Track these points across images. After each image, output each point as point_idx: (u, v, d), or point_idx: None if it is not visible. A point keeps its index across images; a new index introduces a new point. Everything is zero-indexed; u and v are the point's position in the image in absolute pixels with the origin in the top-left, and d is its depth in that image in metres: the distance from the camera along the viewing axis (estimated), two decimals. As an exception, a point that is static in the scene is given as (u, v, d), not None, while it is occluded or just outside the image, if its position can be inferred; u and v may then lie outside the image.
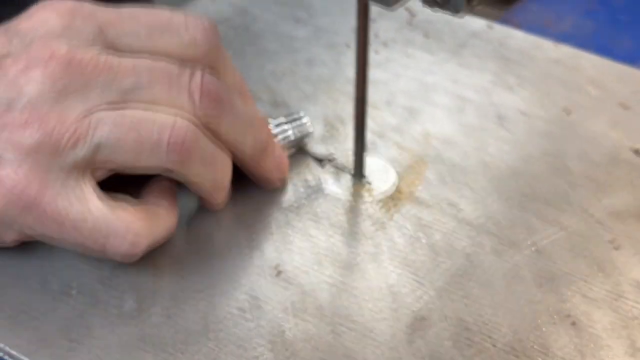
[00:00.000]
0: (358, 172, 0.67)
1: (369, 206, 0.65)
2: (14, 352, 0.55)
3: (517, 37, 0.81)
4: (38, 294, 0.58)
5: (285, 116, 0.68)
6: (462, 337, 0.57)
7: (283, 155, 0.66)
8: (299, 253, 0.61)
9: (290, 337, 0.56)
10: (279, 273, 0.60)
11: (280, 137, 0.67)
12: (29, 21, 0.59)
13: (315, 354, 0.56)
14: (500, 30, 0.82)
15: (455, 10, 0.57)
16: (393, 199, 0.66)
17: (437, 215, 0.64)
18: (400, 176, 0.67)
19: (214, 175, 0.60)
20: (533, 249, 0.62)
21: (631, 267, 0.61)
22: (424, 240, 0.63)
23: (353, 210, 0.65)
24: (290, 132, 0.67)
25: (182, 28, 0.60)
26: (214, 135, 0.60)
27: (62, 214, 0.56)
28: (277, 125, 0.67)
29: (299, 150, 0.68)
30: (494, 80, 0.76)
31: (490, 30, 0.81)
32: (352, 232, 0.63)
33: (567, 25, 0.84)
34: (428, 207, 0.65)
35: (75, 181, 0.57)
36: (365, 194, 0.66)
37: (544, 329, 0.57)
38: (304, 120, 0.68)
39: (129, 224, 0.58)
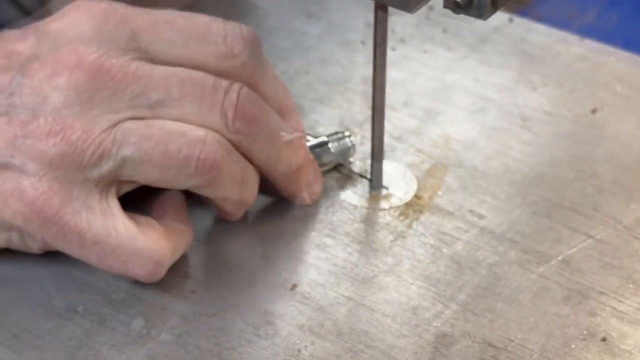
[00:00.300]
0: (376, 179, 0.64)
1: (387, 215, 0.62)
2: (17, 375, 0.53)
3: (539, 32, 0.78)
4: (43, 313, 0.56)
5: (328, 134, 0.65)
6: (487, 356, 0.54)
7: (318, 175, 0.62)
8: (314, 266, 0.59)
9: (306, 357, 0.54)
10: (293, 287, 0.58)
11: (318, 153, 0.64)
12: (59, 22, 0.56)
13: (333, 374, 0.53)
14: (522, 24, 0.78)
15: (479, 15, 0.54)
16: (412, 207, 0.63)
17: (458, 224, 0.62)
18: (420, 182, 0.64)
19: (241, 193, 0.58)
20: (560, 259, 0.59)
21: (664, 278, 0.58)
22: (445, 251, 0.60)
23: (370, 219, 0.62)
24: (330, 149, 0.64)
25: (219, 37, 0.56)
26: (245, 154, 0.57)
27: (84, 229, 0.54)
28: (318, 143, 0.64)
29: (337, 166, 0.65)
30: (517, 78, 0.73)
31: (511, 24, 0.78)
32: (369, 243, 0.60)
33: (592, 17, 0.81)
34: (449, 215, 0.62)
35: (100, 195, 0.55)
36: (383, 202, 0.63)
37: (573, 345, 0.54)
38: (346, 137, 0.65)
39: (155, 242, 0.55)
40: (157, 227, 0.56)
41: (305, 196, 0.62)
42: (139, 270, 0.55)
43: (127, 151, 0.54)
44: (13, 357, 0.54)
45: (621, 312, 0.56)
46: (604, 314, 0.56)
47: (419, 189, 0.64)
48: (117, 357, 0.54)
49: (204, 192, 0.57)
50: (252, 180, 0.58)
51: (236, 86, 0.56)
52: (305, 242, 0.60)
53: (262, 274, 0.58)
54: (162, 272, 0.56)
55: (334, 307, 0.57)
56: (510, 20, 0.79)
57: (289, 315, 0.56)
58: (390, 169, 0.65)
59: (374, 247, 0.60)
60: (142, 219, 0.56)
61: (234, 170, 0.56)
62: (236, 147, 0.57)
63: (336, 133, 0.65)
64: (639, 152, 0.67)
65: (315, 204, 0.62)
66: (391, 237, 0.61)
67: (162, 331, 0.55)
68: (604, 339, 0.55)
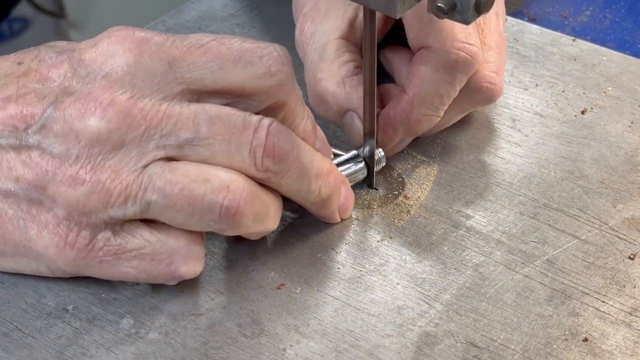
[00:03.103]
0: (366, 179, 0.65)
1: (376, 215, 0.63)
2: (6, 373, 0.54)
3: (533, 32, 0.78)
4: (34, 312, 0.57)
5: (356, 147, 0.65)
6: (469, 356, 0.55)
7: (349, 194, 0.62)
8: (301, 266, 0.60)
9: (291, 356, 0.55)
10: (280, 287, 0.58)
11: (352, 169, 0.64)
12: (94, 51, 0.55)
13: (317, 373, 0.54)
14: (516, 25, 0.79)
15: (463, 20, 0.55)
16: (400, 207, 0.64)
17: (445, 224, 0.62)
18: (409, 183, 0.65)
19: (264, 227, 0.58)
20: (545, 259, 0.60)
21: (647, 279, 0.59)
22: (431, 251, 0.61)
23: (358, 219, 0.63)
24: (363, 166, 0.64)
25: (255, 58, 0.55)
26: (275, 188, 0.57)
27: (118, 251, 0.55)
28: (351, 158, 0.64)
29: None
30: (509, 79, 0.73)
31: (506, 25, 0.79)
32: (357, 243, 0.61)
33: (586, 18, 0.82)
34: (436, 216, 0.63)
35: (127, 224, 0.56)
36: (372, 202, 0.64)
37: (554, 345, 0.55)
38: (379, 150, 0.65)
39: (186, 237, 0.56)
40: (184, 231, 0.57)
41: (336, 217, 0.62)
42: (184, 267, 0.56)
43: (152, 196, 0.54)
44: (3, 356, 0.55)
45: (603, 312, 0.57)
46: (586, 315, 0.57)
47: (407, 189, 0.65)
48: (105, 356, 0.55)
49: (228, 233, 0.57)
50: (276, 214, 0.58)
51: (265, 123, 0.56)
52: (292, 242, 0.61)
53: (250, 274, 0.59)
54: (203, 262, 0.57)
55: (320, 307, 0.57)
56: (505, 21, 0.79)
57: (275, 315, 0.57)
58: (379, 170, 0.66)
59: (361, 247, 0.61)
60: (159, 223, 0.57)
61: (259, 211, 0.56)
62: (265, 182, 0.57)
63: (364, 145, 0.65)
64: (628, 153, 0.67)
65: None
66: (378, 237, 0.62)
67: (150, 330, 0.56)
68: (585, 340, 0.55)
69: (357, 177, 0.64)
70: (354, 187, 0.64)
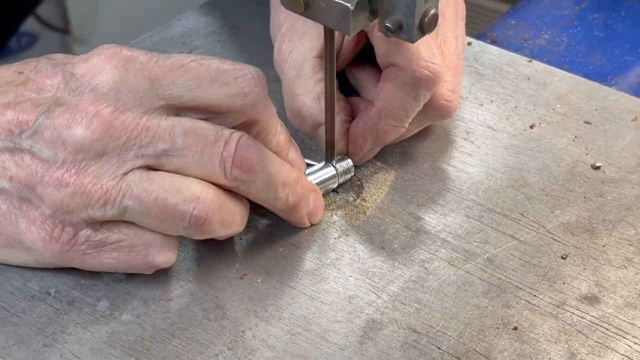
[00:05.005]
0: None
1: (335, 215, 0.69)
2: (-8, 347, 0.60)
3: (492, 53, 0.84)
4: (19, 294, 0.63)
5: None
6: (409, 340, 0.61)
7: (318, 201, 0.68)
8: (264, 259, 0.66)
9: (249, 337, 0.61)
10: (243, 277, 0.64)
11: (323, 178, 0.70)
12: (85, 66, 0.61)
13: (271, 353, 0.60)
14: (477, 46, 0.85)
15: (408, 39, 0.61)
16: (358, 208, 0.70)
17: (397, 225, 0.68)
18: (367, 186, 0.71)
19: (231, 231, 0.63)
20: (485, 257, 0.66)
21: (575, 276, 0.64)
22: (383, 248, 0.67)
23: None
24: (335, 172, 0.70)
25: (230, 79, 0.61)
26: (244, 195, 0.63)
27: (98, 245, 0.61)
28: (322, 167, 0.70)
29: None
30: (467, 96, 0.80)
31: (468, 46, 0.85)
32: (316, 239, 0.67)
33: (544, 40, 0.88)
34: (390, 217, 0.69)
35: (106, 222, 0.61)
36: (332, 203, 0.70)
37: (487, 333, 0.61)
38: (346, 158, 0.71)
39: (163, 235, 0.62)
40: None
41: (305, 222, 0.68)
42: (160, 257, 0.62)
43: (129, 202, 0.60)
44: (-10, 332, 0.61)
45: (534, 305, 0.63)
46: (518, 307, 0.63)
47: (365, 192, 0.71)
48: (82, 334, 0.61)
49: (197, 237, 0.63)
50: (243, 219, 0.64)
51: (235, 136, 0.61)
52: (256, 237, 0.67)
53: (217, 265, 0.65)
54: (177, 252, 0.63)
55: (278, 295, 0.63)
56: (469, 43, 0.85)
57: (237, 301, 0.63)
58: (349, 179, 0.72)
59: (319, 243, 0.67)
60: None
61: (226, 218, 0.62)
62: (235, 190, 0.62)
63: (335, 155, 0.71)
64: (569, 164, 0.73)
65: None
66: (336, 235, 0.68)
67: (124, 312, 0.62)
68: (515, 328, 0.61)
69: (328, 185, 0.70)
70: (324, 194, 0.70)
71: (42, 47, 2.07)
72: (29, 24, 2.04)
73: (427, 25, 0.60)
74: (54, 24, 2.10)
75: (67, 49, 2.09)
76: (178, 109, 0.61)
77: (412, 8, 0.59)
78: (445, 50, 0.72)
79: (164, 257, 0.62)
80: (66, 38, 2.12)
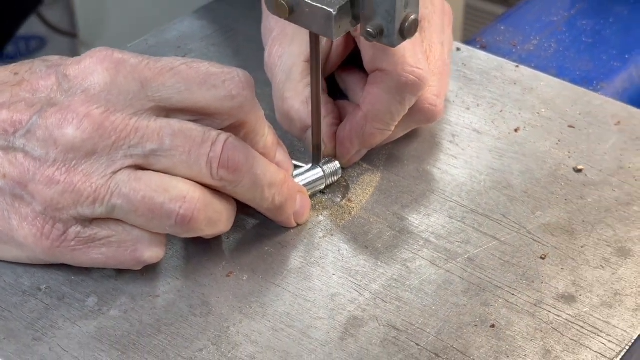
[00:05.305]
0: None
1: (321, 215, 0.71)
2: (-16, 340, 0.62)
3: (480, 58, 0.86)
4: (11, 290, 0.65)
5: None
6: (389, 337, 0.62)
7: (305, 202, 0.69)
8: (250, 257, 0.67)
9: (233, 333, 0.62)
10: (229, 275, 0.66)
11: (311, 179, 0.71)
12: (77, 68, 0.63)
13: (255, 348, 0.62)
14: (466, 51, 0.87)
15: (389, 43, 0.62)
16: (343, 209, 0.71)
17: (381, 225, 0.70)
18: (353, 187, 0.73)
19: (217, 230, 0.65)
20: (466, 257, 0.67)
21: (553, 276, 0.66)
22: (366, 248, 0.68)
23: (305, 218, 0.71)
24: (322, 174, 0.72)
25: (219, 82, 0.62)
26: (231, 195, 0.64)
27: (88, 242, 0.63)
28: (309, 169, 0.71)
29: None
30: (454, 99, 0.81)
31: (457, 52, 0.87)
32: (301, 238, 0.69)
33: (532, 46, 0.89)
34: (375, 217, 0.70)
35: (95, 220, 0.63)
36: (318, 204, 0.72)
37: (465, 330, 0.63)
38: (333, 160, 0.72)
39: (151, 232, 0.63)
40: None
41: (291, 222, 0.69)
42: (148, 253, 0.63)
43: (117, 200, 0.62)
44: (-18, 326, 0.63)
45: (512, 303, 0.64)
46: (496, 305, 0.64)
47: (351, 193, 0.72)
48: (71, 328, 0.62)
49: (183, 236, 0.64)
50: (229, 219, 0.66)
51: (222, 138, 0.63)
52: (243, 236, 0.69)
53: (204, 263, 0.67)
54: (165, 248, 0.65)
55: (263, 292, 0.65)
56: (458, 49, 0.87)
57: (222, 298, 0.65)
58: (336, 181, 0.73)
59: (305, 242, 0.69)
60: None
61: (212, 217, 0.63)
62: (222, 190, 0.64)
63: (323, 158, 0.73)
64: (552, 167, 0.75)
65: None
66: (321, 234, 0.69)
67: (112, 308, 0.64)
68: (492, 326, 0.63)
69: (315, 186, 0.72)
70: (312, 195, 0.72)
71: (51, 51, 2.10)
72: (38, 28, 2.07)
73: (407, 30, 0.62)
74: (62, 28, 2.13)
75: (75, 53, 2.11)
76: (167, 111, 0.63)
77: (392, 14, 0.61)
78: (430, 56, 0.73)
79: (152, 252, 0.64)
80: (74, 42, 2.14)
